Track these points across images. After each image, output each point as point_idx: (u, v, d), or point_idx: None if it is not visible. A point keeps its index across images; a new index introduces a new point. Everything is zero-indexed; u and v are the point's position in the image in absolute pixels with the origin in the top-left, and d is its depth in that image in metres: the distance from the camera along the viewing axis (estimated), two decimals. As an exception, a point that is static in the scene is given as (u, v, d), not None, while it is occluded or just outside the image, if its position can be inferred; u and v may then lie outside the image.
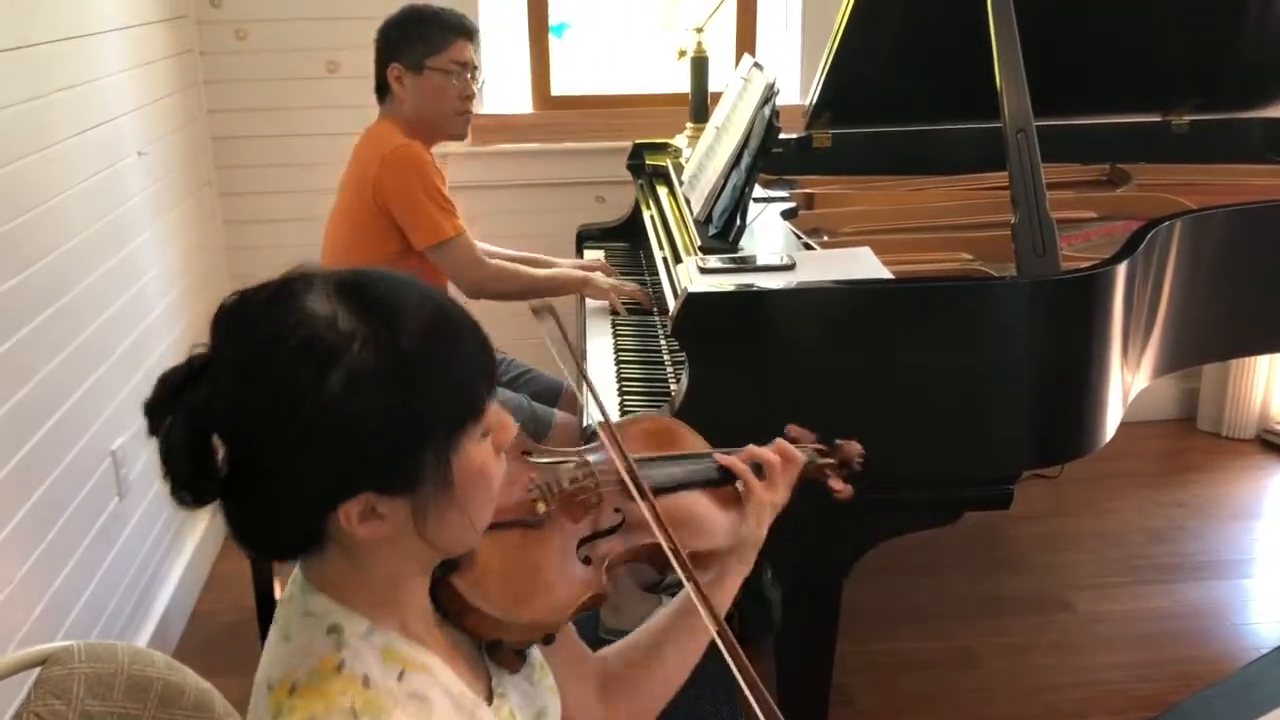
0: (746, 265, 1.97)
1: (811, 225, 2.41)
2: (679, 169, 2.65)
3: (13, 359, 1.96)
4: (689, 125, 2.93)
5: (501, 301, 2.54)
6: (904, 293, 1.86)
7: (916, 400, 1.80)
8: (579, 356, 1.16)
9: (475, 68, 2.46)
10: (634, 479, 1.12)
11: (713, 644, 1.10)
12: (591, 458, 1.19)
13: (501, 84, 3.36)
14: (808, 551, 1.72)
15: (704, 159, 2.39)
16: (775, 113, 2.10)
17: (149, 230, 2.68)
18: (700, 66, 2.91)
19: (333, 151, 2.73)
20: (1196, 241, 2.18)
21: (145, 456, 2.49)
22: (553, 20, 3.36)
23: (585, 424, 1.90)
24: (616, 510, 1.16)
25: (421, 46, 2.39)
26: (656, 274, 2.33)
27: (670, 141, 2.96)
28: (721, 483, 1.27)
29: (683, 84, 2.98)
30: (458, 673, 0.97)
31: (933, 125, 2.80)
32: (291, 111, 3.18)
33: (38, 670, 1.16)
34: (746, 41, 3.40)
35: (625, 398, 2.03)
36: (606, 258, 2.82)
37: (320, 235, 2.55)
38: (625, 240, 2.95)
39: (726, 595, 1.23)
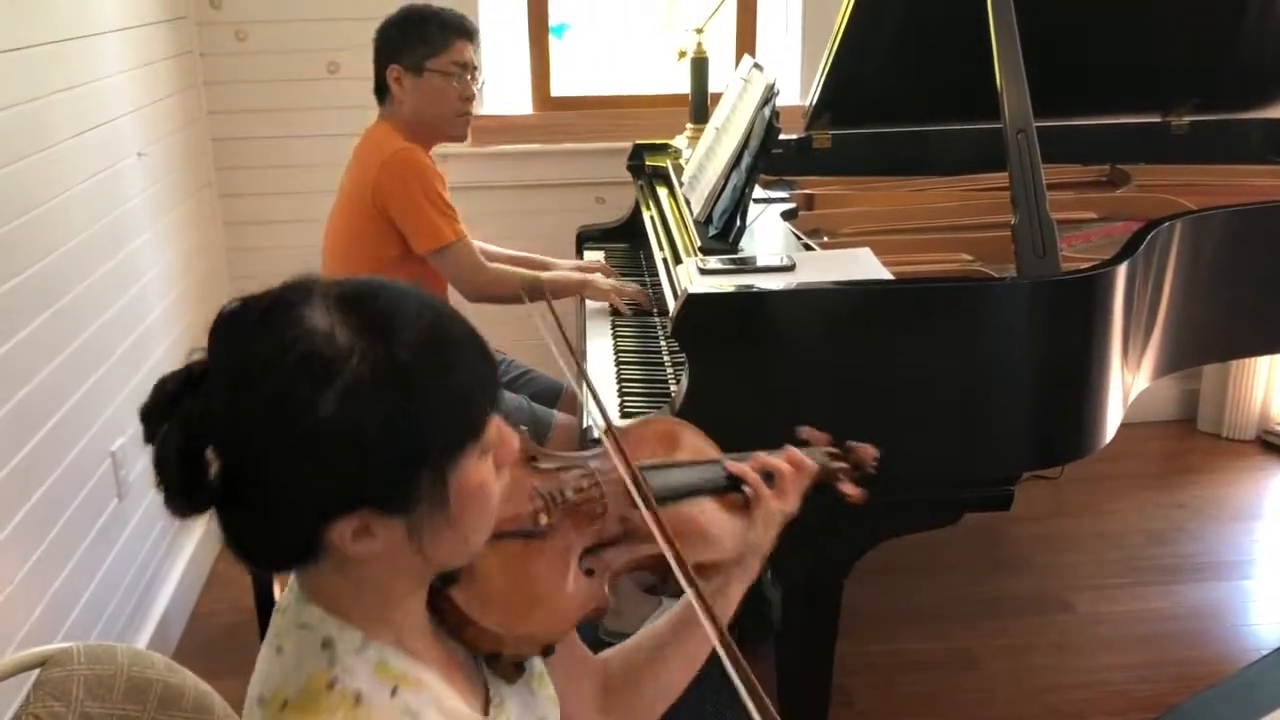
0: (746, 266, 1.97)
1: (811, 226, 2.41)
2: (679, 170, 2.65)
3: (12, 360, 1.96)
4: (689, 126, 2.93)
5: (501, 305, 2.54)
6: (904, 293, 1.86)
7: (917, 401, 1.80)
8: (578, 356, 1.14)
9: (475, 68, 2.44)
10: (639, 489, 1.08)
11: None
12: (598, 464, 1.16)
13: (501, 85, 3.36)
14: (807, 552, 1.72)
15: (704, 160, 2.39)
16: (775, 113, 2.10)
17: (149, 231, 2.68)
18: (700, 67, 2.91)
19: (333, 153, 2.73)
20: (1196, 242, 2.18)
21: (145, 458, 2.46)
22: (553, 21, 3.36)
23: (585, 424, 1.90)
24: (622, 519, 1.13)
25: (421, 48, 2.38)
26: (656, 275, 2.33)
27: (670, 142, 2.96)
28: (730, 490, 1.24)
29: (683, 85, 2.98)
30: (454, 685, 0.96)
31: (933, 126, 2.80)
32: (291, 113, 3.18)
33: (37, 672, 1.15)
34: (746, 42, 3.40)
35: (625, 399, 2.03)
36: (606, 259, 2.82)
37: (320, 236, 2.55)
38: (625, 241, 2.95)
39: (730, 603, 1.21)
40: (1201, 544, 3.05)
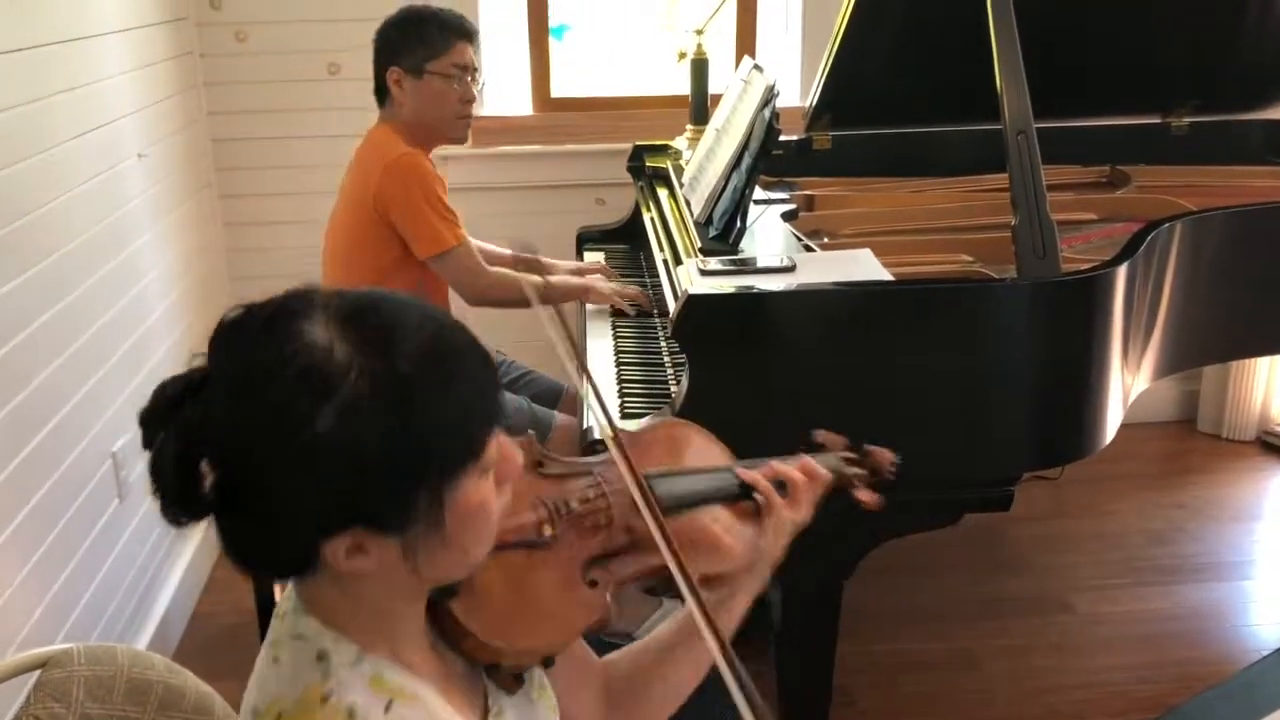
0: (747, 267, 1.97)
1: (812, 227, 2.41)
2: (679, 171, 2.65)
3: (13, 361, 1.96)
4: (689, 127, 2.93)
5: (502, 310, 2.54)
6: (904, 294, 1.86)
7: (917, 402, 1.80)
8: (585, 367, 1.12)
9: (475, 70, 2.43)
10: (645, 499, 1.06)
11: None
12: (605, 472, 1.13)
13: (501, 86, 3.37)
14: (808, 552, 1.72)
15: (704, 161, 2.39)
16: (775, 115, 2.10)
17: (149, 232, 2.68)
18: (700, 68, 2.91)
19: (333, 154, 2.73)
20: (1196, 243, 2.18)
21: (145, 459, 2.49)
22: (553, 22, 3.36)
23: (586, 425, 1.90)
24: (628, 529, 1.10)
25: (421, 50, 2.37)
26: (657, 276, 2.33)
27: (670, 143, 2.96)
28: (741, 498, 1.21)
29: (683, 86, 2.98)
30: (450, 699, 0.95)
31: (933, 127, 2.80)
32: (292, 113, 3.18)
33: (37, 673, 1.15)
34: (746, 43, 3.40)
35: (625, 400, 2.03)
36: (607, 260, 2.82)
37: (320, 237, 2.55)
38: (625, 242, 2.95)
39: (738, 612, 1.19)
40: (1201, 544, 3.05)
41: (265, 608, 2.25)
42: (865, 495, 1.31)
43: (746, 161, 2.13)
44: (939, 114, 2.72)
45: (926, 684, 2.50)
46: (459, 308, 2.59)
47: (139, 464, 2.47)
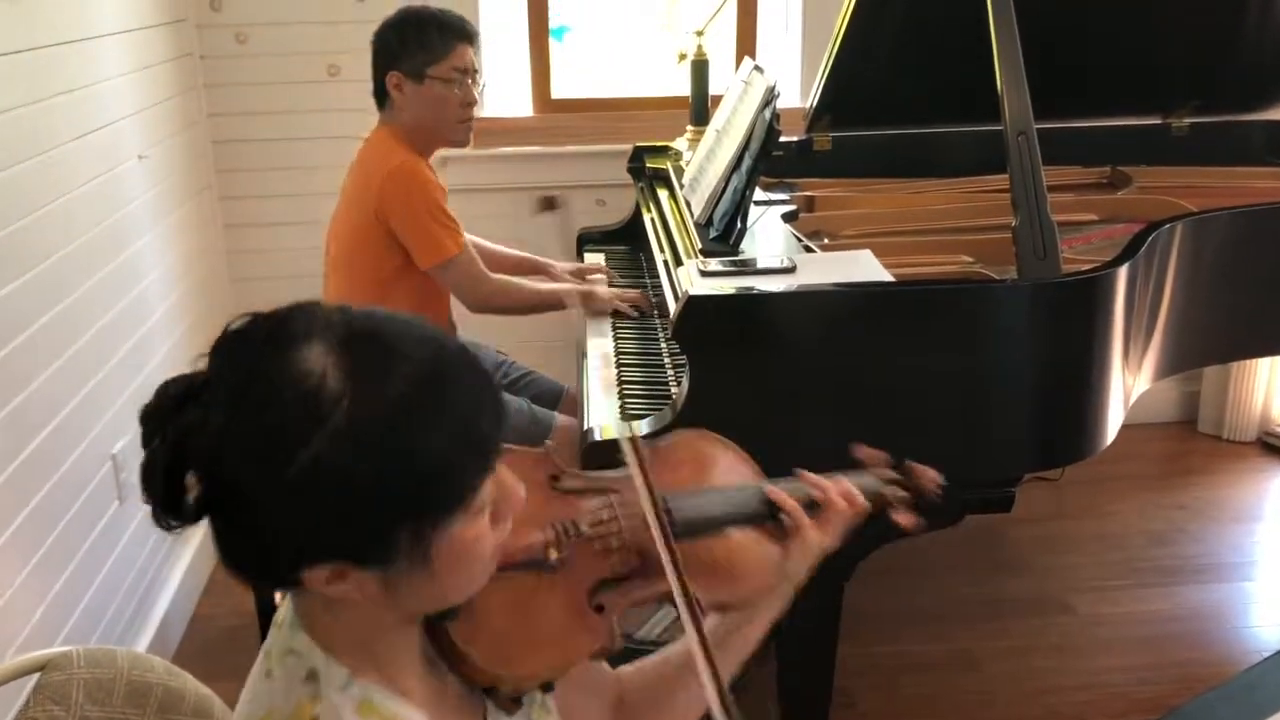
0: (747, 268, 1.97)
1: (812, 228, 2.41)
2: (679, 172, 2.65)
3: (13, 362, 1.96)
4: (689, 128, 2.93)
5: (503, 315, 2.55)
6: (905, 295, 1.86)
7: (917, 403, 1.80)
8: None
9: (476, 72, 2.42)
10: (660, 526, 1.00)
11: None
12: (621, 493, 1.08)
13: (502, 87, 3.36)
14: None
15: (704, 162, 2.39)
16: (776, 115, 2.10)
17: (149, 234, 2.68)
18: (700, 69, 2.91)
19: (334, 155, 2.73)
20: (1197, 244, 2.18)
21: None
22: (553, 23, 3.36)
23: (586, 427, 1.90)
24: (641, 553, 1.05)
25: (421, 54, 2.34)
26: (657, 277, 2.33)
27: (671, 145, 2.96)
28: (767, 520, 1.15)
29: (683, 87, 2.98)
30: None
31: (933, 128, 2.80)
32: (292, 115, 3.18)
33: (37, 676, 1.15)
34: (747, 44, 3.40)
35: (626, 401, 2.03)
36: (607, 261, 2.82)
37: (320, 238, 2.55)
38: (626, 243, 2.95)
39: (755, 635, 1.16)
40: (1202, 545, 3.05)
41: (265, 611, 2.25)
42: (904, 518, 1.25)
43: (747, 163, 2.13)
44: (939, 115, 2.72)
45: (927, 685, 2.50)
46: (461, 315, 2.60)
47: (139, 466, 2.47)
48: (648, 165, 2.88)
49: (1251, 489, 3.36)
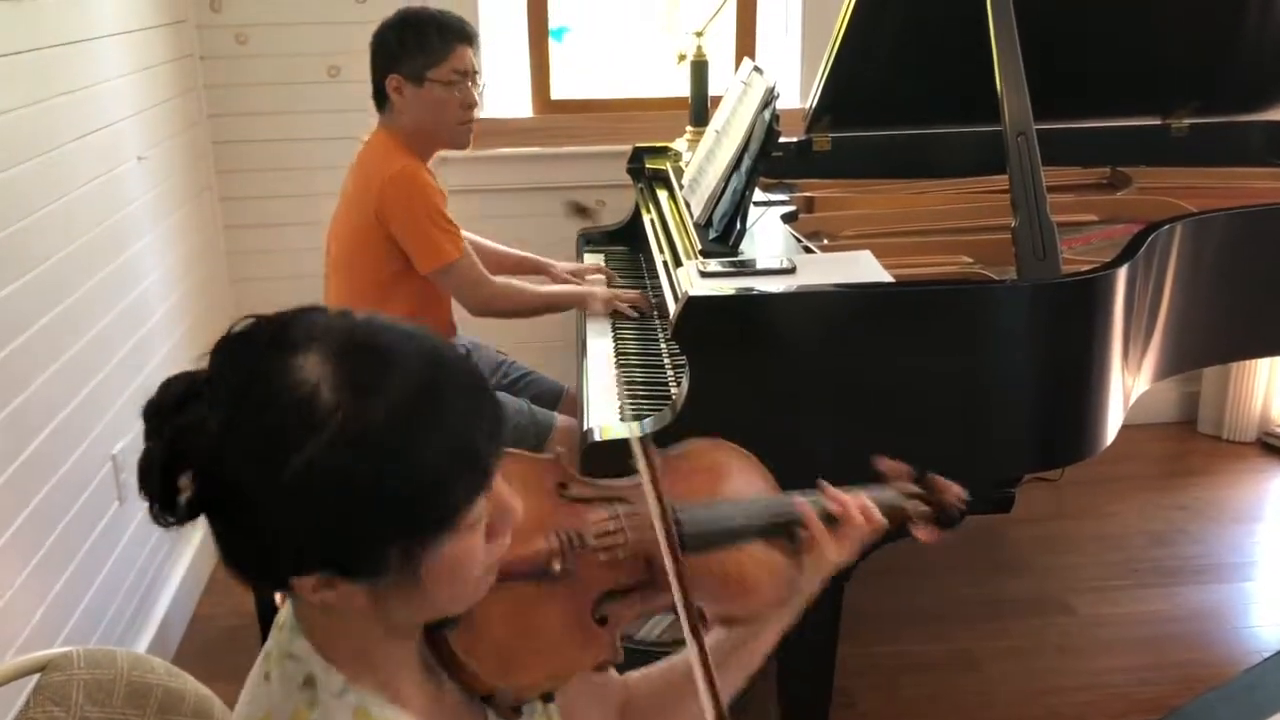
0: (747, 269, 1.97)
1: (812, 229, 2.41)
2: (679, 173, 2.65)
3: (13, 363, 1.96)
4: (689, 129, 2.93)
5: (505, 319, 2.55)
6: (904, 296, 1.86)
7: (917, 403, 1.80)
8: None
9: (476, 73, 2.41)
10: (669, 538, 0.98)
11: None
12: (631, 503, 1.05)
13: (501, 88, 3.36)
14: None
15: (704, 163, 2.39)
16: (775, 116, 2.10)
17: (149, 235, 2.68)
18: (700, 70, 2.91)
19: (334, 156, 2.73)
20: (1197, 245, 2.18)
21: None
22: (552, 24, 3.36)
23: (586, 427, 1.90)
24: (647, 564, 1.03)
25: (420, 57, 2.33)
26: (657, 278, 2.33)
27: (670, 145, 2.96)
28: (782, 534, 1.13)
29: (682, 88, 2.98)
30: None
31: (933, 129, 2.80)
32: (292, 116, 3.18)
33: (37, 677, 1.15)
34: (746, 45, 3.40)
35: (626, 401, 2.03)
36: (607, 262, 2.82)
37: (320, 239, 2.55)
38: (625, 244, 2.95)
39: (762, 649, 1.14)
40: (1202, 546, 3.05)
41: (265, 611, 2.25)
42: (924, 534, 1.22)
43: (746, 163, 2.13)
44: (939, 116, 2.72)
45: (927, 685, 2.50)
46: (462, 312, 2.60)
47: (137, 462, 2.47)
48: (647, 166, 2.88)
49: (1251, 489, 3.36)
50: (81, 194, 2.29)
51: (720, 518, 1.09)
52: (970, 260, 2.21)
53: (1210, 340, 2.34)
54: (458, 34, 2.36)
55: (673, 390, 2.04)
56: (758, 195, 2.38)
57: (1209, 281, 2.25)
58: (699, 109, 2.91)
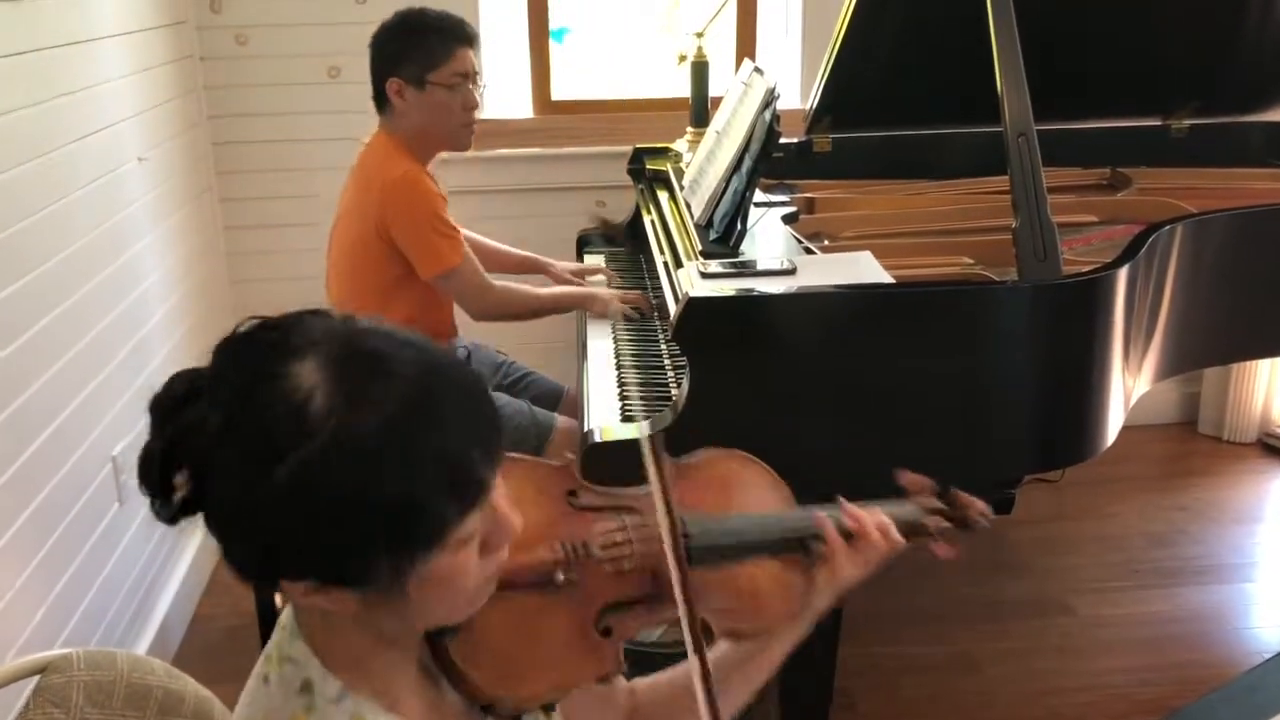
0: (747, 269, 1.97)
1: (812, 229, 2.41)
2: (679, 174, 2.65)
3: (13, 364, 1.96)
4: (689, 130, 2.93)
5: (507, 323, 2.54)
6: (905, 297, 1.86)
7: (917, 404, 1.80)
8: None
9: (477, 74, 2.40)
10: (675, 548, 0.96)
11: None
12: (644, 509, 1.03)
13: (502, 88, 3.36)
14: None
15: (704, 163, 2.39)
16: (776, 117, 2.10)
17: (149, 236, 2.68)
18: (700, 71, 2.91)
19: (334, 157, 2.73)
20: (1197, 245, 2.18)
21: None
22: (553, 24, 3.36)
23: (586, 429, 1.90)
24: (654, 577, 1.01)
25: (421, 60, 2.31)
26: (657, 278, 2.33)
27: (671, 146, 2.96)
28: (796, 549, 1.10)
29: (683, 89, 2.98)
30: None
31: (933, 129, 2.80)
32: (292, 116, 3.18)
33: (37, 678, 1.15)
34: (747, 46, 3.40)
35: (625, 402, 2.03)
36: (607, 262, 2.82)
37: (321, 240, 2.55)
38: (625, 245, 2.95)
39: (769, 664, 1.13)
40: (1203, 547, 3.05)
41: (265, 612, 2.24)
42: (944, 550, 1.20)
43: (747, 164, 2.13)
44: (939, 116, 2.72)
45: (927, 686, 2.50)
46: (464, 323, 2.60)
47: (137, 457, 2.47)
48: (648, 167, 2.88)
49: (1252, 490, 3.36)
50: (81, 195, 2.29)
51: (733, 530, 1.07)
52: (971, 261, 2.20)
53: (1211, 341, 2.34)
54: (458, 36, 2.35)
55: (673, 391, 2.04)
56: (758, 196, 2.38)
57: (1209, 282, 2.25)
58: (699, 110, 2.91)
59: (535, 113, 3.38)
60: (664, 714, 1.15)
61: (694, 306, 1.77)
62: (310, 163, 3.16)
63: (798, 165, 2.78)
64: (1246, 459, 3.52)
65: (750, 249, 2.12)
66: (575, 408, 2.45)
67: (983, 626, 2.70)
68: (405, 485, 0.79)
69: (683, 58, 2.92)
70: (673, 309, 1.86)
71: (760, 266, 1.98)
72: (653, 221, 2.57)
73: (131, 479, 2.45)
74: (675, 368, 2.13)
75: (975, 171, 2.67)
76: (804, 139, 2.81)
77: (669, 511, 0.98)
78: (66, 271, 2.20)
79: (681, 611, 0.95)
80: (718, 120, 2.48)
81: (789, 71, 3.37)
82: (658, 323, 2.38)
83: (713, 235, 2.15)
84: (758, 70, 2.33)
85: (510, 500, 0.88)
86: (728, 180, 2.17)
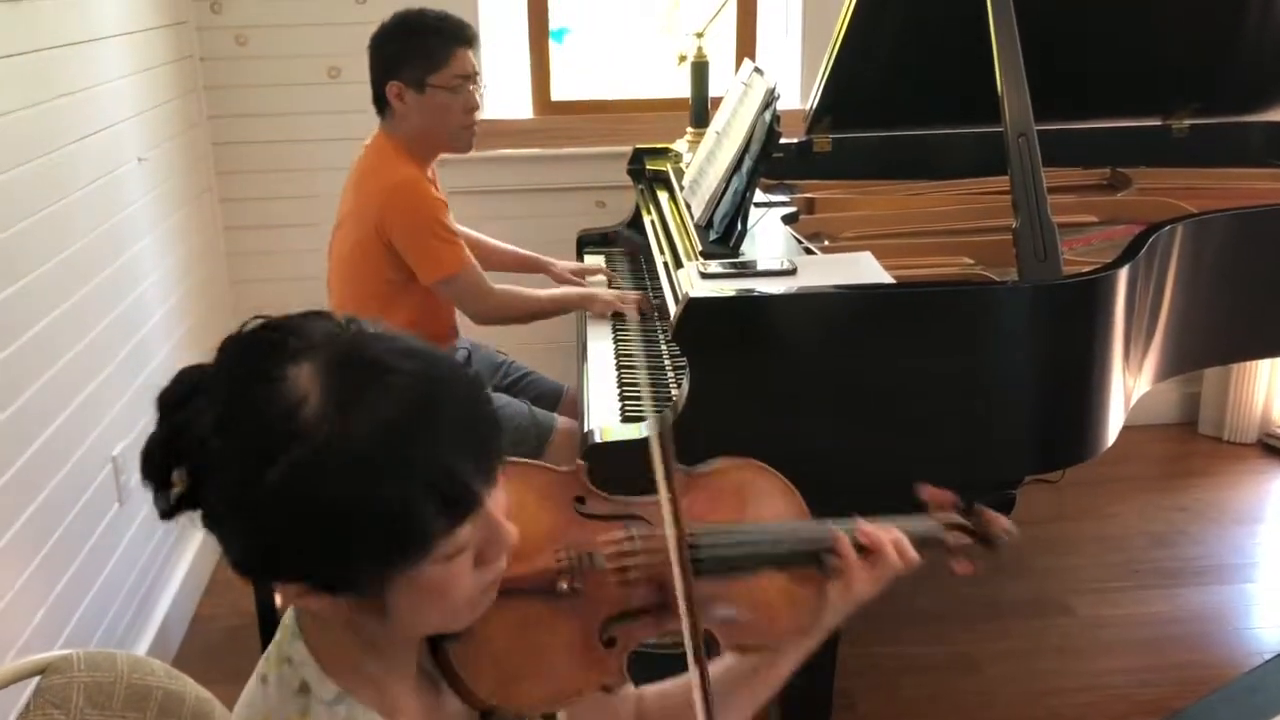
0: (747, 270, 1.97)
1: (812, 230, 2.41)
2: (679, 174, 2.65)
3: (13, 365, 1.96)
4: (689, 130, 2.93)
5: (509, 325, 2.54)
6: (905, 297, 1.86)
7: (917, 405, 1.80)
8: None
9: (477, 75, 2.39)
10: (681, 556, 0.94)
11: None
12: (653, 519, 1.01)
13: (501, 89, 3.36)
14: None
15: (704, 164, 2.39)
16: (776, 117, 2.10)
17: (149, 236, 2.68)
18: (700, 71, 2.91)
19: (334, 157, 2.73)
20: (1197, 246, 2.18)
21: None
22: (553, 25, 3.36)
23: (586, 429, 1.89)
24: (661, 588, 0.98)
25: (421, 63, 2.30)
26: (657, 279, 2.33)
27: (671, 146, 2.96)
28: (808, 563, 1.08)
29: (683, 89, 2.98)
30: None
31: (934, 130, 2.80)
32: (292, 117, 3.18)
33: (37, 679, 1.15)
34: (747, 46, 3.40)
35: (626, 403, 2.03)
36: (607, 263, 2.82)
37: (321, 240, 2.55)
38: (625, 245, 2.95)
39: (777, 678, 1.11)
40: (1203, 547, 3.05)
41: (265, 613, 2.24)
42: (962, 567, 1.18)
43: (747, 164, 2.13)
44: (939, 116, 2.72)
45: (927, 687, 2.50)
46: (465, 326, 2.60)
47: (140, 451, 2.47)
48: (648, 167, 2.88)
49: (1252, 490, 3.36)
50: (81, 195, 2.29)
51: (743, 541, 1.06)
52: (971, 261, 2.20)
53: (1211, 341, 2.34)
54: (457, 38, 2.33)
55: (673, 392, 2.04)
56: (758, 196, 2.38)
57: (1209, 282, 2.24)
58: (699, 110, 2.91)
59: (535, 113, 3.38)
60: (689, 713, 1.14)
61: (694, 307, 1.77)
62: (310, 163, 3.16)
63: (798, 165, 2.78)
64: (1247, 459, 3.52)
65: (750, 249, 2.12)
66: (575, 407, 2.45)
67: (983, 626, 2.70)
68: (393, 495, 0.78)
69: (683, 58, 2.92)
70: (673, 309, 1.86)
71: (760, 267, 1.98)
72: (653, 222, 2.57)
73: (131, 479, 2.47)
74: (675, 368, 2.13)
75: (975, 171, 2.66)
76: (804, 139, 2.81)
77: (673, 501, 0.96)
78: (66, 272, 2.20)
79: (683, 620, 0.94)
80: (718, 120, 2.48)
81: (789, 72, 3.37)
82: (658, 323, 2.38)
83: (713, 235, 2.15)
84: (758, 70, 2.33)
85: (509, 510, 0.87)
86: (728, 180, 2.17)
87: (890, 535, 1.11)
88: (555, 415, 2.43)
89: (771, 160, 2.14)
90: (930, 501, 1.18)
